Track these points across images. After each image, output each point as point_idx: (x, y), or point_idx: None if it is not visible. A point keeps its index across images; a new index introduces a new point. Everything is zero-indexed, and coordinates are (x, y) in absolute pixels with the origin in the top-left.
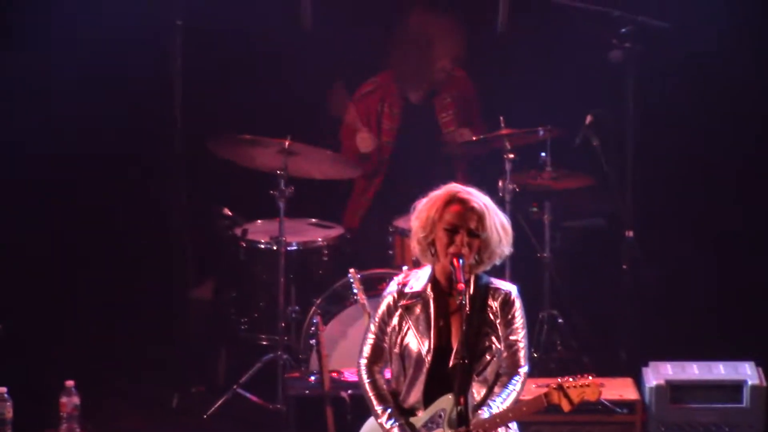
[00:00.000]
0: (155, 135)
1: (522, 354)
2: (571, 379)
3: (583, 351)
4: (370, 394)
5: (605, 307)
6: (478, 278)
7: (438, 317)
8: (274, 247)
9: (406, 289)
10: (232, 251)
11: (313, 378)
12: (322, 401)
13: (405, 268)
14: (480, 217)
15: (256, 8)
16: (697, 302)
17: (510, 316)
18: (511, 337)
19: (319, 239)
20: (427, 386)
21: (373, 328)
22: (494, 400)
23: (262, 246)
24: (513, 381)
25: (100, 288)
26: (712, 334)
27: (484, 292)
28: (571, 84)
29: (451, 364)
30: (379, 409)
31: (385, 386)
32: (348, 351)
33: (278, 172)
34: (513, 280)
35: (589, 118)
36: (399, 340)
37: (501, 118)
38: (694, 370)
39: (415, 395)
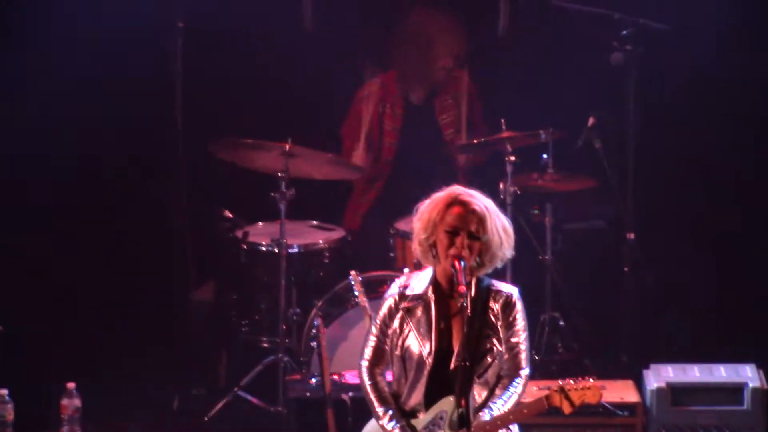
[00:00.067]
0: (156, 136)
1: (523, 356)
2: (572, 382)
3: (584, 353)
4: (372, 396)
5: (606, 309)
6: (479, 280)
7: (439, 319)
8: (275, 249)
9: (407, 291)
10: (233, 253)
11: (314, 380)
12: (323, 403)
13: (406, 270)
14: (481, 220)
15: (257, 9)
16: (697, 304)
17: (511, 319)
18: (513, 340)
19: (320, 241)
20: (429, 388)
21: (374, 330)
22: (495, 403)
23: (263, 248)
24: (514, 383)
25: (101, 289)
26: (712, 336)
27: (485, 294)
28: (572, 86)
29: (452, 366)
30: (380, 411)
31: (386, 388)
32: (349, 353)
33: (279, 174)
34: (514, 283)
35: (590, 120)
36: (400, 342)
37: (502, 120)
38: (695, 373)
39: (416, 397)
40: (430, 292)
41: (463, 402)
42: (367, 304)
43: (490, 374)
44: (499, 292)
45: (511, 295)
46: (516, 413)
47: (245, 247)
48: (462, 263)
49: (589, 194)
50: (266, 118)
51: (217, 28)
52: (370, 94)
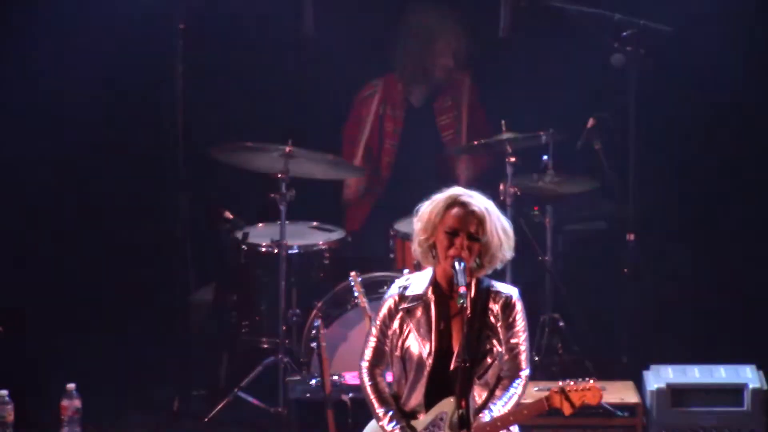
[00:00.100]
0: (156, 137)
1: (523, 357)
2: (572, 383)
3: (584, 354)
4: (372, 397)
5: (606, 310)
6: (479, 281)
7: (439, 320)
8: (275, 251)
9: (407, 292)
10: (233, 254)
11: (314, 381)
12: (323, 404)
13: (406, 271)
14: (480, 221)
15: (258, 12)
16: (698, 305)
17: (511, 319)
18: (512, 340)
19: (320, 242)
20: (429, 389)
21: (374, 331)
22: (495, 404)
23: (264, 249)
24: (514, 384)
25: (102, 291)
26: (713, 337)
27: (485, 295)
28: (573, 87)
29: (452, 367)
30: (380, 411)
31: (386, 389)
32: (349, 354)
33: (279, 175)
34: (514, 283)
35: (590, 122)
36: (400, 343)
37: (503, 121)
38: (695, 374)
39: (417, 398)
40: (429, 293)
41: (463, 403)
42: (367, 305)
43: (490, 375)
44: (498, 293)
45: (511, 296)
46: (516, 414)
47: (245, 248)
48: (462, 264)
49: (590, 195)
50: (267, 120)
51: (218, 30)
52: (371, 96)
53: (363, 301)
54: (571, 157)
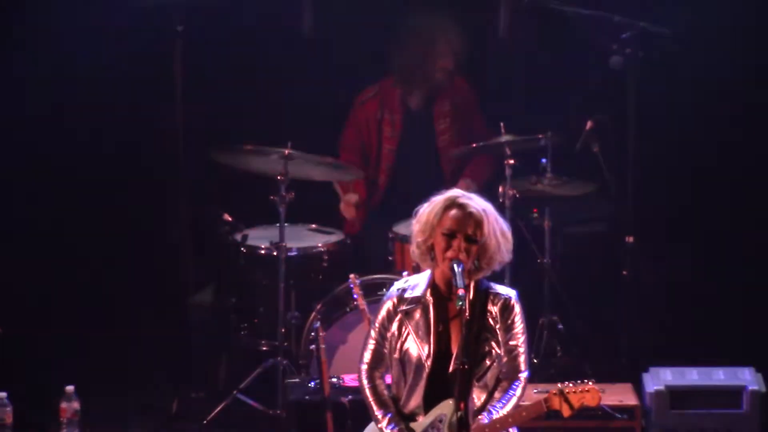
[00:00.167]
0: (155, 140)
1: (522, 359)
2: (571, 384)
3: (583, 356)
4: (371, 399)
5: (605, 312)
6: (477, 283)
7: (438, 322)
8: (275, 253)
9: (406, 294)
10: (232, 257)
11: (313, 383)
12: (322, 407)
13: (405, 273)
14: (478, 223)
15: (257, 14)
16: (697, 307)
17: (510, 321)
18: (511, 342)
19: (319, 245)
20: (428, 391)
21: (373, 333)
22: (494, 406)
23: (263, 251)
24: (513, 386)
25: (101, 293)
26: (712, 340)
27: (483, 297)
28: (572, 89)
29: (451, 369)
30: (379, 414)
31: (385, 392)
32: (348, 356)
33: (278, 177)
34: (513, 286)
35: (589, 124)
36: (399, 346)
37: (501, 124)
38: (693, 376)
39: (416, 400)
40: (428, 295)
41: (462, 405)
42: (366, 308)
43: (489, 377)
44: (497, 294)
45: (510, 297)
46: (515, 416)
47: (244, 250)
48: (460, 266)
49: (588, 198)
50: (266, 122)
51: (217, 32)
52: (369, 101)
53: (362, 303)
54: (570, 159)
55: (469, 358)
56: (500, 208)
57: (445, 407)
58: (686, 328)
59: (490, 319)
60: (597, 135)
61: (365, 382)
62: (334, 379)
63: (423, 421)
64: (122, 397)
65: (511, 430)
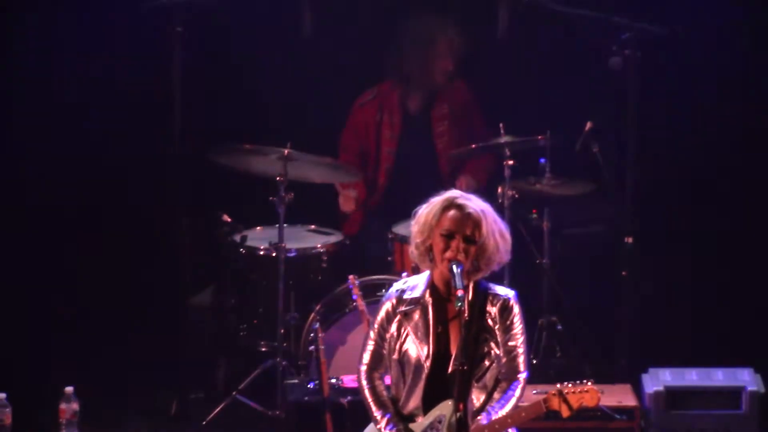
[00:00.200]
0: (154, 141)
1: (521, 360)
2: (570, 385)
3: (582, 357)
4: (370, 400)
5: (604, 313)
6: (476, 284)
7: (437, 323)
8: (274, 254)
9: (405, 295)
10: (232, 258)
11: (312, 384)
12: (321, 408)
13: (404, 274)
14: (476, 224)
15: (256, 15)
16: (696, 308)
17: (509, 322)
18: (510, 343)
19: (319, 245)
20: (427, 392)
21: (372, 334)
22: (493, 406)
23: (262, 252)
24: (512, 387)
25: (99, 294)
26: (711, 340)
27: (482, 297)
28: (571, 90)
29: (450, 370)
30: (378, 415)
31: (384, 393)
32: (347, 357)
33: (278, 178)
34: (512, 286)
35: (588, 125)
36: (398, 347)
37: (501, 125)
38: (692, 377)
39: (415, 401)
40: (427, 296)
41: (461, 406)
42: (365, 308)
43: (488, 378)
44: (496, 295)
45: (509, 298)
46: (514, 417)
47: (243, 251)
48: (459, 267)
49: (588, 198)
50: (265, 123)
51: (216, 34)
52: (368, 104)
53: (361, 304)
54: (569, 159)
55: (468, 359)
56: (499, 209)
57: (444, 408)
58: (685, 329)
59: (489, 320)
60: (596, 136)
61: (364, 382)
62: (333, 380)
63: (422, 421)
64: (121, 398)
65: (510, 430)
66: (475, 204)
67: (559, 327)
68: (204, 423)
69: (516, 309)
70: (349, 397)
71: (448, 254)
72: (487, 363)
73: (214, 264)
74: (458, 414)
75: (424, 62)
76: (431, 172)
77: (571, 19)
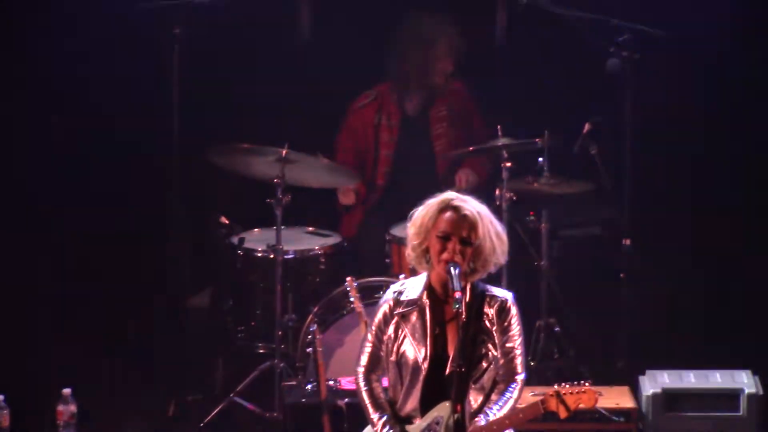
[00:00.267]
0: (152, 142)
1: (519, 361)
2: (567, 386)
3: (580, 359)
4: (367, 402)
5: (602, 315)
6: (474, 286)
7: (434, 325)
8: (271, 256)
9: (402, 297)
10: (229, 259)
11: (309, 386)
12: (319, 409)
13: (402, 276)
14: (472, 225)
15: (255, 16)
16: (694, 310)
17: (506, 324)
18: (508, 345)
19: (316, 247)
20: (424, 394)
21: (370, 336)
22: (491, 408)
23: (259, 254)
24: (510, 388)
25: (97, 296)
26: (709, 342)
27: (480, 299)
28: (569, 92)
29: (447, 371)
30: (375, 417)
31: (382, 395)
32: (345, 359)
33: (275, 180)
34: (510, 288)
35: (586, 127)
36: (395, 348)
37: (498, 127)
38: (690, 379)
39: (412, 403)
40: (424, 298)
41: (458, 407)
42: (363, 310)
43: (486, 379)
44: (493, 297)
45: (506, 300)
46: (512, 418)
47: (241, 253)
48: (457, 269)
49: (586, 199)
50: (263, 125)
51: (214, 35)
52: (366, 106)
53: (359, 306)
54: (566, 161)
55: (466, 361)
56: (497, 211)
57: (442, 410)
58: (683, 331)
59: (487, 322)
60: (594, 138)
61: (362, 384)
62: (331, 382)
63: (420, 423)
64: (119, 399)
65: None
66: (471, 205)
67: (557, 329)
68: (202, 425)
69: (514, 311)
70: (346, 399)
71: (445, 256)
72: (484, 365)
73: (212, 266)
74: (456, 416)
75: (424, 63)
76: (429, 174)
77: (569, 21)
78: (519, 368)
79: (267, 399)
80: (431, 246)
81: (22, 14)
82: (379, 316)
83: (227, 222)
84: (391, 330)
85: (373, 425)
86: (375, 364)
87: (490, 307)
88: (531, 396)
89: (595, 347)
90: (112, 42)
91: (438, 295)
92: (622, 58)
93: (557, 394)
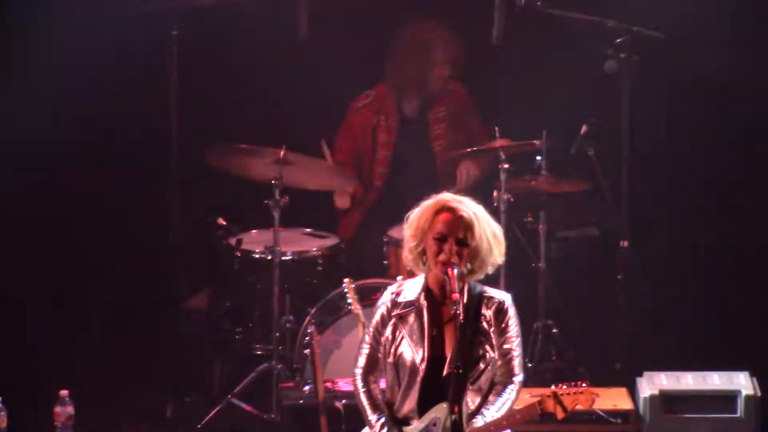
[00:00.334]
0: (150, 143)
1: (516, 362)
2: (564, 387)
3: (577, 361)
4: (365, 403)
5: (600, 316)
6: (471, 287)
7: (432, 326)
8: (269, 257)
9: (400, 299)
10: (227, 261)
11: (307, 388)
12: (316, 411)
13: (399, 277)
14: (469, 226)
15: (252, 18)
16: (691, 312)
17: (504, 325)
18: (505, 346)
19: (314, 249)
20: (422, 395)
21: (367, 338)
22: (488, 409)
23: (257, 256)
24: (507, 389)
25: (95, 298)
26: (706, 344)
27: (477, 300)
28: (566, 94)
29: (445, 373)
30: (372, 418)
31: (379, 396)
32: (342, 361)
33: (273, 181)
34: (508, 290)
35: (583, 128)
36: (393, 350)
37: (496, 128)
38: (688, 380)
39: (410, 404)
40: (422, 299)
41: (456, 408)
42: (360, 312)
43: (483, 381)
44: (491, 298)
45: (504, 301)
46: (509, 419)
47: (239, 254)
48: (455, 270)
49: (583, 199)
50: (261, 127)
51: (212, 36)
52: (364, 107)
53: (356, 307)
54: (564, 163)
55: (463, 362)
56: (495, 213)
57: (439, 411)
58: (681, 333)
59: (484, 323)
60: (591, 139)
61: (359, 386)
62: (329, 384)
63: (417, 425)
64: (116, 401)
65: None
66: (467, 207)
67: (555, 330)
68: (199, 426)
69: (511, 312)
70: (344, 401)
71: (442, 257)
72: (482, 366)
73: (210, 267)
74: (453, 417)
75: (421, 69)
76: (428, 176)
77: (567, 22)
78: (516, 369)
79: (265, 400)
80: (428, 248)
81: (21, 14)
82: (377, 317)
83: (225, 223)
84: (388, 331)
85: (371, 427)
86: (372, 366)
87: (488, 308)
88: (529, 398)
89: (592, 349)
90: (111, 43)
91: (435, 297)
92: (620, 60)
93: (554, 395)
